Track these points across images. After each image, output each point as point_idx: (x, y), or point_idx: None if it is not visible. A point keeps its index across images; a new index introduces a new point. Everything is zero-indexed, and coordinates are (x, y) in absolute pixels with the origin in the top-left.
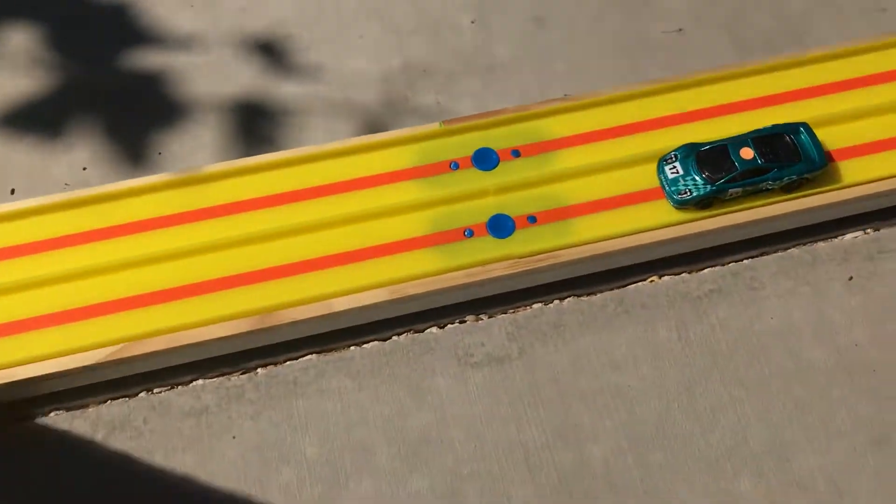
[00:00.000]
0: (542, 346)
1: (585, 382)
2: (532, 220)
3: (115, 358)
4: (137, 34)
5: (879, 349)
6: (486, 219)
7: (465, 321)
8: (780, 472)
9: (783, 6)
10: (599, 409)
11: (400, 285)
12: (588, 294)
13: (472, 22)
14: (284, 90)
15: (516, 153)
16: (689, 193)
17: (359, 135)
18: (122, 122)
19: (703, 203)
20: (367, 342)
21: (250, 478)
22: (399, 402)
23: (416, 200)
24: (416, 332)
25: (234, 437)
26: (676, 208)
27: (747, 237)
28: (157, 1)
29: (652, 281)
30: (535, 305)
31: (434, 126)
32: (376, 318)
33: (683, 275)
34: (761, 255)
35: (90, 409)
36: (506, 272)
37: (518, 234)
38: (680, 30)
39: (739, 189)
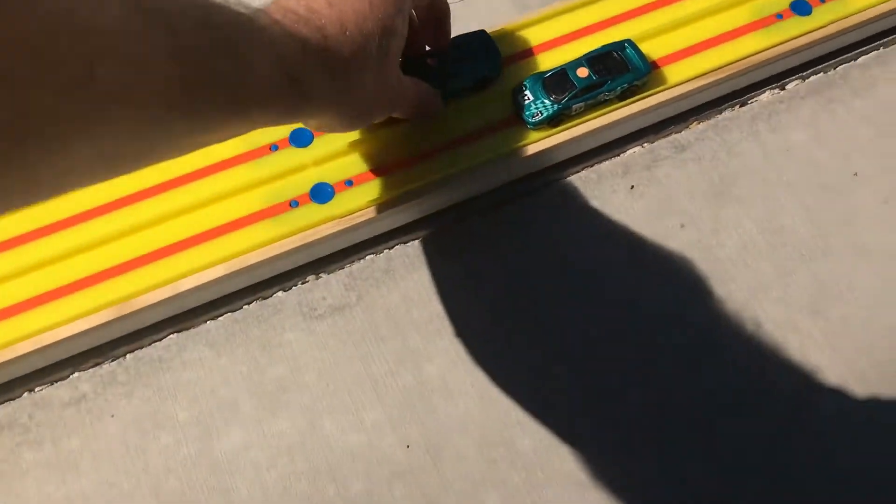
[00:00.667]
0: (377, 290)
1: (416, 313)
2: (349, 183)
3: None
4: None
5: (661, 242)
6: (307, 189)
7: (306, 281)
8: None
9: None
10: (431, 333)
11: (239, 258)
12: (413, 239)
13: None
14: None
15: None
16: (540, 114)
17: None
18: None
19: (554, 121)
20: (221, 315)
21: (132, 447)
22: (255, 360)
23: (244, 183)
24: (264, 298)
25: (112, 416)
26: (532, 129)
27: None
28: None
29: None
30: (367, 257)
31: None
32: (225, 293)
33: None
34: (557, 180)
35: None
36: (331, 230)
37: (338, 198)
38: None
39: (582, 104)
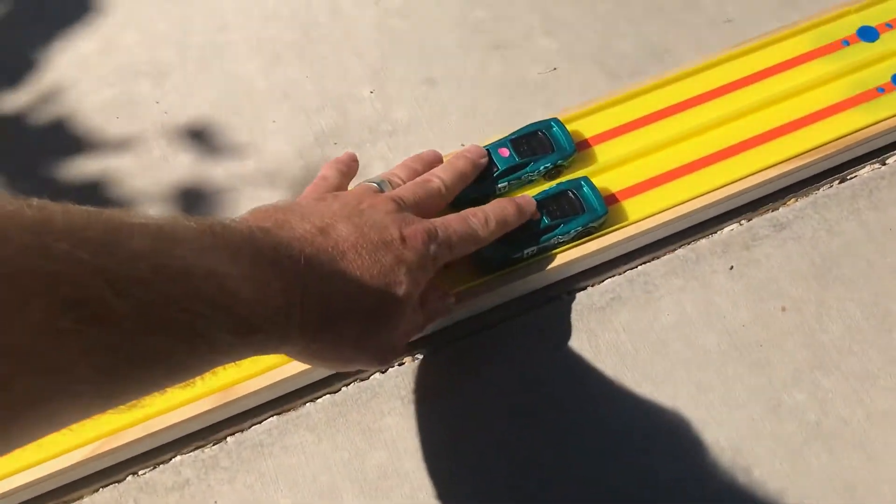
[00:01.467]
0: (472, 376)
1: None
2: None
3: (95, 454)
4: (70, 146)
5: (762, 326)
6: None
7: (402, 363)
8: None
9: (641, 30)
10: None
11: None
12: (510, 318)
13: (371, 92)
14: (216, 174)
15: None
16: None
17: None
18: None
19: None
20: (320, 397)
21: None
22: (355, 445)
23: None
24: (362, 380)
25: (215, 503)
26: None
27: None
28: (86, 116)
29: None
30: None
31: None
32: (324, 375)
33: (588, 289)
34: (652, 259)
35: (84, 500)
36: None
37: None
38: (555, 69)
39: (534, 248)
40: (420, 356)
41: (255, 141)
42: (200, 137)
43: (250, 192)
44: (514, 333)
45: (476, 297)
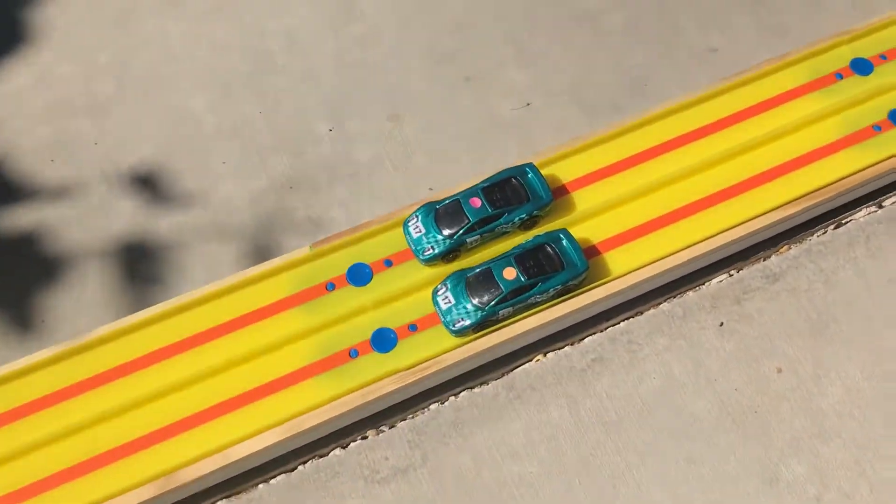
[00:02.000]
0: (444, 447)
1: (489, 475)
2: (413, 328)
3: None
4: (2, 194)
5: (756, 390)
6: (368, 335)
7: (366, 437)
8: None
9: (621, 62)
10: (506, 499)
11: (295, 420)
12: (480, 384)
13: (330, 130)
14: (160, 225)
15: (389, 263)
16: (463, 321)
17: (239, 261)
18: None
19: (479, 328)
20: (274, 477)
21: None
22: None
23: (297, 330)
24: (321, 456)
25: None
26: (455, 336)
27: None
28: (17, 160)
29: (538, 360)
30: (432, 406)
31: (304, 250)
32: (279, 454)
33: (566, 348)
34: (635, 314)
35: None
36: (396, 386)
37: (402, 345)
38: (528, 104)
39: (510, 308)
40: (384, 429)
41: (202, 186)
42: (144, 182)
43: (199, 246)
44: (487, 400)
45: (448, 363)
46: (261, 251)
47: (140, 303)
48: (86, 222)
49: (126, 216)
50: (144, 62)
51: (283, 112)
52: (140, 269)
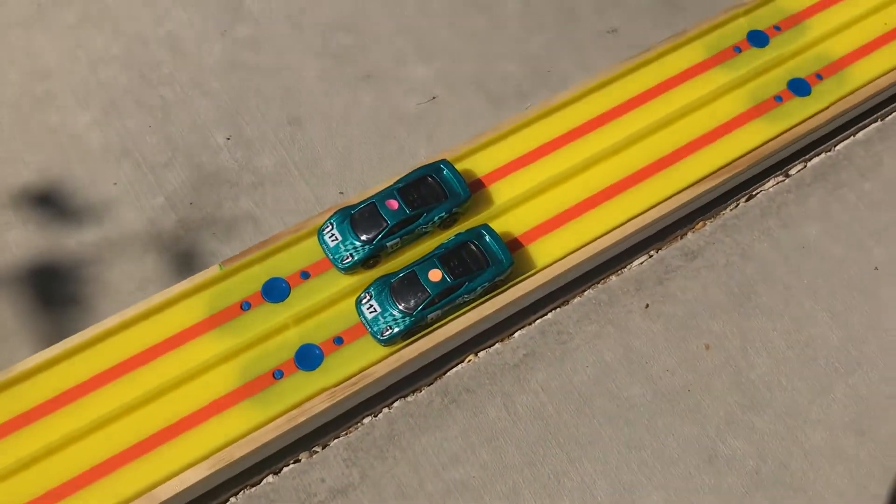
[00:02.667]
0: (382, 462)
1: (431, 486)
2: (339, 341)
3: None
4: None
5: (687, 368)
6: (292, 354)
7: (298, 460)
8: None
9: (523, 50)
10: None
11: (222, 452)
12: (414, 392)
13: (228, 139)
14: (54, 254)
15: (306, 275)
16: (390, 329)
17: (142, 288)
18: None
19: (410, 333)
20: None
21: None
22: None
23: (215, 356)
24: (253, 485)
25: None
26: (384, 345)
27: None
28: None
29: (470, 360)
30: (365, 420)
31: (214, 270)
32: (208, 488)
33: (497, 345)
34: (562, 304)
35: None
36: (326, 405)
37: (329, 361)
38: (434, 97)
39: (439, 311)
40: (318, 450)
41: (94, 210)
42: (26, 213)
43: (95, 274)
44: (422, 407)
45: (379, 375)
46: (165, 275)
47: (37, 343)
48: None
49: (10, 251)
50: (14, 82)
51: (175, 124)
52: (35, 303)
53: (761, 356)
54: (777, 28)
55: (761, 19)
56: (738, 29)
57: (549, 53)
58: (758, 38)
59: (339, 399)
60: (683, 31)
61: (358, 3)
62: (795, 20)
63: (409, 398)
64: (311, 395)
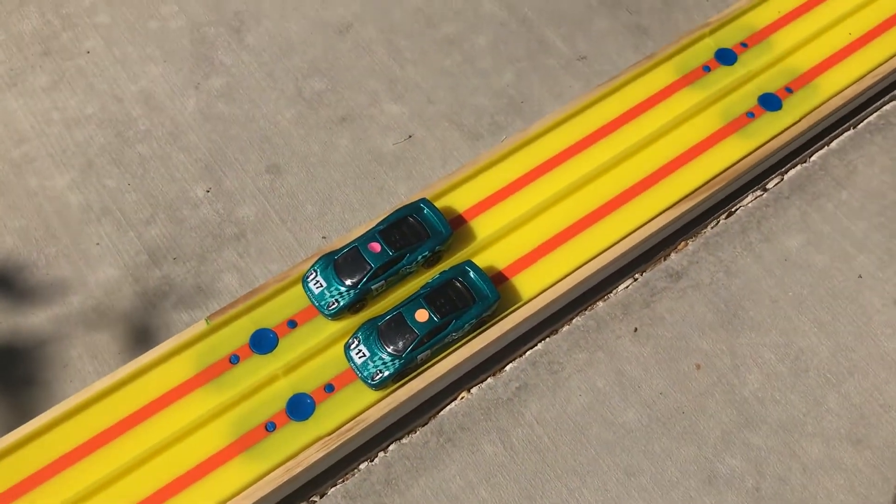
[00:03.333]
0: None
1: None
2: (329, 388)
3: None
4: None
5: (680, 390)
6: (284, 405)
7: None
8: None
9: (494, 83)
10: None
11: None
12: (408, 434)
13: (208, 191)
14: (34, 321)
15: (293, 324)
16: (381, 373)
17: (130, 347)
18: None
19: (400, 376)
20: None
21: None
22: None
23: (206, 412)
24: None
25: None
26: (374, 389)
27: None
28: None
29: (463, 398)
30: (362, 466)
31: (200, 325)
32: None
33: (489, 380)
34: (551, 334)
35: None
36: (320, 454)
37: (321, 409)
38: (410, 136)
39: (428, 351)
40: (316, 499)
41: (78, 271)
42: (9, 279)
43: (82, 337)
44: (418, 449)
45: (373, 420)
46: (152, 333)
47: (23, 412)
48: None
49: None
50: None
51: (154, 179)
52: (17, 373)
53: (752, 372)
54: (744, 45)
55: (727, 37)
56: (705, 48)
57: (520, 84)
58: (726, 57)
59: (333, 447)
60: (652, 54)
61: (328, 49)
62: (761, 36)
63: (404, 440)
64: (306, 445)
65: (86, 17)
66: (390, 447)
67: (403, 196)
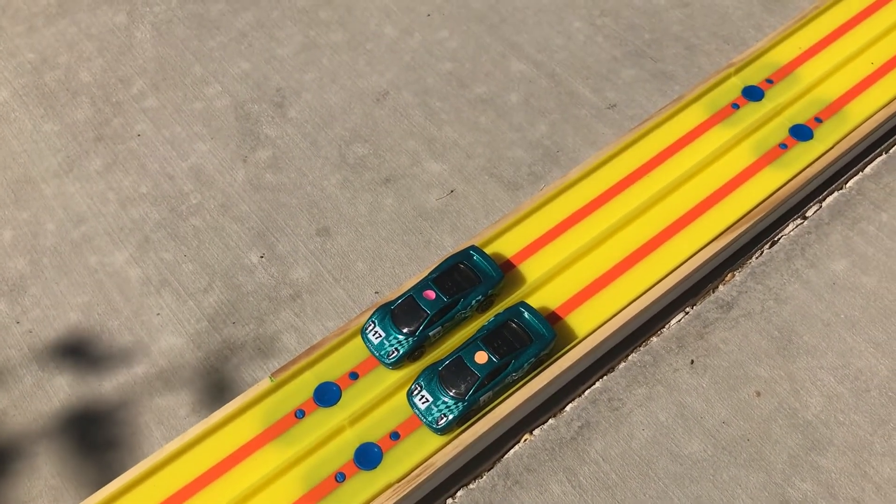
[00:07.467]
0: None
1: None
2: (395, 436)
3: None
4: None
5: (742, 418)
6: (351, 455)
7: None
8: None
9: (529, 134)
10: None
11: None
12: (475, 479)
13: (262, 257)
14: (104, 389)
15: (354, 375)
16: (445, 418)
17: (196, 410)
18: None
19: (465, 419)
20: None
21: None
22: None
23: (276, 467)
24: None
25: None
26: (440, 434)
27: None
28: None
29: (526, 440)
30: None
31: (265, 383)
32: None
33: (550, 421)
34: (608, 371)
35: None
36: (391, 501)
37: (388, 457)
38: (452, 191)
39: (490, 393)
40: None
41: (141, 341)
42: (76, 352)
43: (149, 402)
44: (486, 494)
45: (440, 464)
46: (217, 395)
47: (100, 476)
48: (23, 407)
49: (64, 390)
50: (52, 230)
51: (209, 250)
52: (92, 439)
53: (813, 395)
54: (769, 81)
55: (752, 75)
56: (732, 87)
57: (554, 135)
58: (753, 93)
59: (403, 494)
60: (680, 96)
61: (367, 116)
62: (786, 71)
63: (471, 485)
64: (376, 494)
65: (134, 102)
66: (458, 493)
67: (450, 248)
